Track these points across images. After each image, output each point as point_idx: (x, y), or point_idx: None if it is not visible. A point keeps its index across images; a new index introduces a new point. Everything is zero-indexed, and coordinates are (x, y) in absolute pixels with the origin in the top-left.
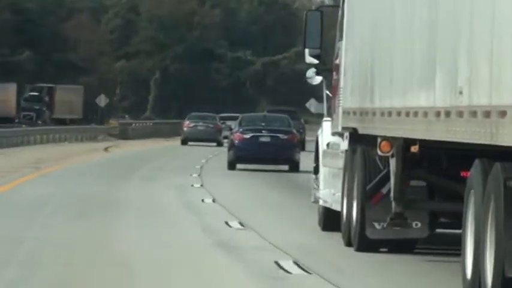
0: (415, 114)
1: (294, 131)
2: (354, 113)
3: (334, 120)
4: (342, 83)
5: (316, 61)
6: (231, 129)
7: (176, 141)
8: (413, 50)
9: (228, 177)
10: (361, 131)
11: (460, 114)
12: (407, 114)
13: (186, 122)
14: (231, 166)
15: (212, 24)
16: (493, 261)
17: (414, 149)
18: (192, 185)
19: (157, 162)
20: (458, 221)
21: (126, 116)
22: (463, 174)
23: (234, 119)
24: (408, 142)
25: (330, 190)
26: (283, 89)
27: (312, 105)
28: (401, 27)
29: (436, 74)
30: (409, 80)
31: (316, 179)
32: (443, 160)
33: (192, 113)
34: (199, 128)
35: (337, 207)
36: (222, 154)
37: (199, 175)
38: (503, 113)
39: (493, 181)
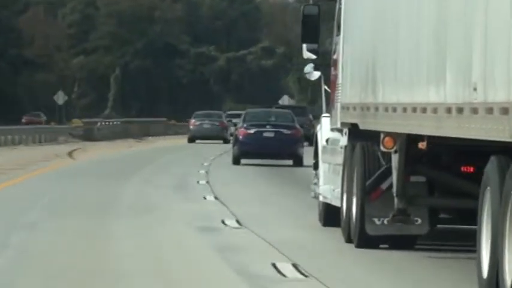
0: (424, 110)
1: (298, 126)
2: (354, 108)
3: (333, 116)
4: (340, 78)
5: (314, 56)
6: (235, 125)
7: (149, 144)
8: (421, 42)
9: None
10: (362, 127)
11: (475, 110)
12: (414, 110)
13: (192, 121)
14: (236, 161)
15: (174, 18)
16: None
17: (422, 145)
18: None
19: (142, 173)
20: (458, 216)
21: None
22: (463, 169)
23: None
24: (412, 138)
25: (329, 186)
26: (249, 85)
27: (284, 102)
28: (407, 16)
29: (446, 68)
30: (416, 75)
31: (316, 174)
32: (444, 155)
33: (198, 111)
34: (205, 126)
35: (337, 203)
36: (226, 156)
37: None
38: None
39: (511, 179)
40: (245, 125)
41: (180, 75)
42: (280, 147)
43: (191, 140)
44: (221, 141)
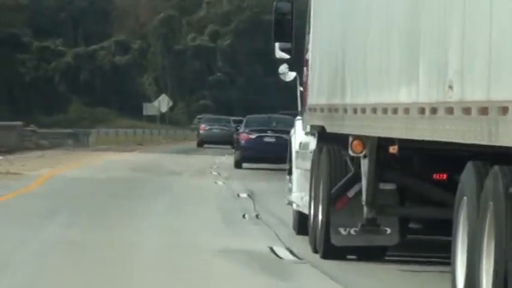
0: (394, 111)
1: None
2: (322, 110)
3: (304, 118)
4: (309, 79)
5: (287, 56)
6: (237, 130)
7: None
8: (391, 38)
9: None
10: (329, 130)
11: (450, 110)
12: (385, 111)
13: (202, 125)
14: (238, 165)
15: (15, 8)
16: (491, 274)
17: (393, 149)
18: None
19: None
20: (429, 226)
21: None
22: (436, 176)
23: None
24: (383, 142)
25: (300, 193)
26: (101, 85)
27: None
28: (378, 7)
29: (419, 65)
30: (385, 73)
31: (290, 180)
32: (415, 161)
33: (207, 115)
34: (214, 130)
35: (306, 211)
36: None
37: None
38: (504, 109)
39: (491, 187)
40: (247, 130)
41: (22, 72)
42: (281, 152)
43: (200, 144)
44: (229, 146)
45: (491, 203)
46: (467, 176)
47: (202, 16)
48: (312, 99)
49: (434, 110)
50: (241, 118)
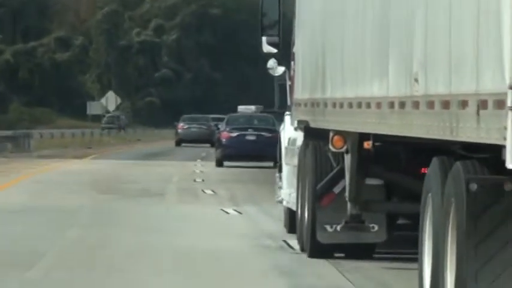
0: (368, 105)
1: (279, 129)
2: (305, 104)
3: (292, 113)
4: (296, 73)
5: (274, 50)
6: (218, 128)
7: None
8: (365, 32)
9: None
10: (312, 125)
11: (416, 105)
12: (360, 105)
13: (180, 124)
14: (219, 163)
15: None
16: (454, 272)
17: (367, 145)
18: None
19: None
20: (418, 222)
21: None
22: (423, 171)
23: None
24: (364, 136)
25: (289, 190)
26: (40, 84)
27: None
28: (352, 6)
29: (389, 58)
30: (361, 67)
31: (280, 177)
32: (401, 156)
33: (185, 115)
34: (192, 129)
35: (294, 208)
36: None
37: None
38: (464, 103)
39: (453, 183)
40: (228, 129)
41: None
42: (262, 150)
43: (178, 143)
44: (208, 145)
45: (453, 199)
46: (432, 171)
47: (146, 10)
48: (298, 94)
49: (402, 104)
50: (220, 116)
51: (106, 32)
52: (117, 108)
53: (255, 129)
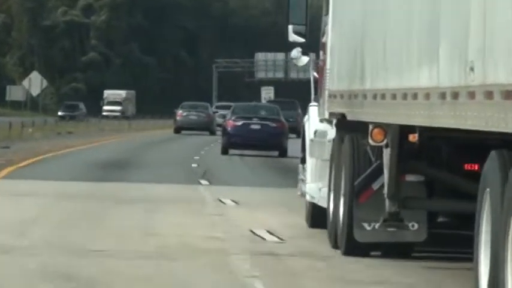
0: (414, 96)
1: (283, 119)
2: (342, 96)
3: (321, 105)
4: (328, 63)
5: (301, 39)
6: (224, 117)
7: None
8: (412, 17)
9: None
10: (349, 117)
11: (471, 95)
12: (405, 96)
13: (179, 111)
14: (224, 151)
15: None
16: None
17: (413, 138)
18: None
19: None
20: (459, 220)
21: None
22: (467, 167)
23: (228, 107)
24: (405, 129)
25: (316, 184)
26: None
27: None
28: None
29: (439, 46)
30: (406, 56)
31: (303, 170)
32: (444, 150)
33: (185, 102)
34: (191, 117)
35: (323, 204)
36: None
37: None
38: None
39: None
40: (233, 118)
41: None
42: (266, 139)
43: (177, 130)
44: (207, 133)
45: None
46: (491, 166)
47: None
48: (332, 85)
49: (455, 95)
50: (225, 103)
51: (29, 10)
52: (42, 92)
53: (260, 118)
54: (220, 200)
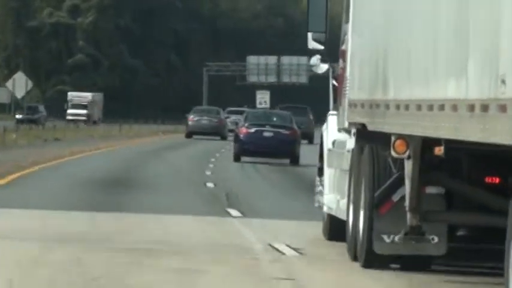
0: (441, 107)
1: (295, 127)
2: (362, 105)
3: (340, 114)
4: (348, 72)
5: (320, 47)
6: (237, 123)
7: None
8: (439, 27)
9: None
10: (370, 127)
11: (502, 108)
12: (430, 107)
13: (191, 116)
14: (236, 158)
15: None
16: None
17: (438, 150)
18: None
19: None
20: (480, 234)
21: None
22: (488, 180)
23: (240, 113)
24: (428, 141)
25: (335, 196)
26: None
27: (17, 83)
28: (422, 0)
29: (469, 57)
30: (432, 66)
31: (321, 181)
32: (464, 162)
33: (196, 106)
34: (203, 122)
35: (342, 216)
36: None
37: None
38: None
39: None
40: (246, 124)
41: None
42: (278, 147)
43: (188, 135)
44: (218, 138)
45: None
46: None
47: None
48: (353, 94)
49: (485, 108)
50: (237, 108)
51: (14, 11)
52: (28, 94)
53: (273, 126)
54: (273, 246)
